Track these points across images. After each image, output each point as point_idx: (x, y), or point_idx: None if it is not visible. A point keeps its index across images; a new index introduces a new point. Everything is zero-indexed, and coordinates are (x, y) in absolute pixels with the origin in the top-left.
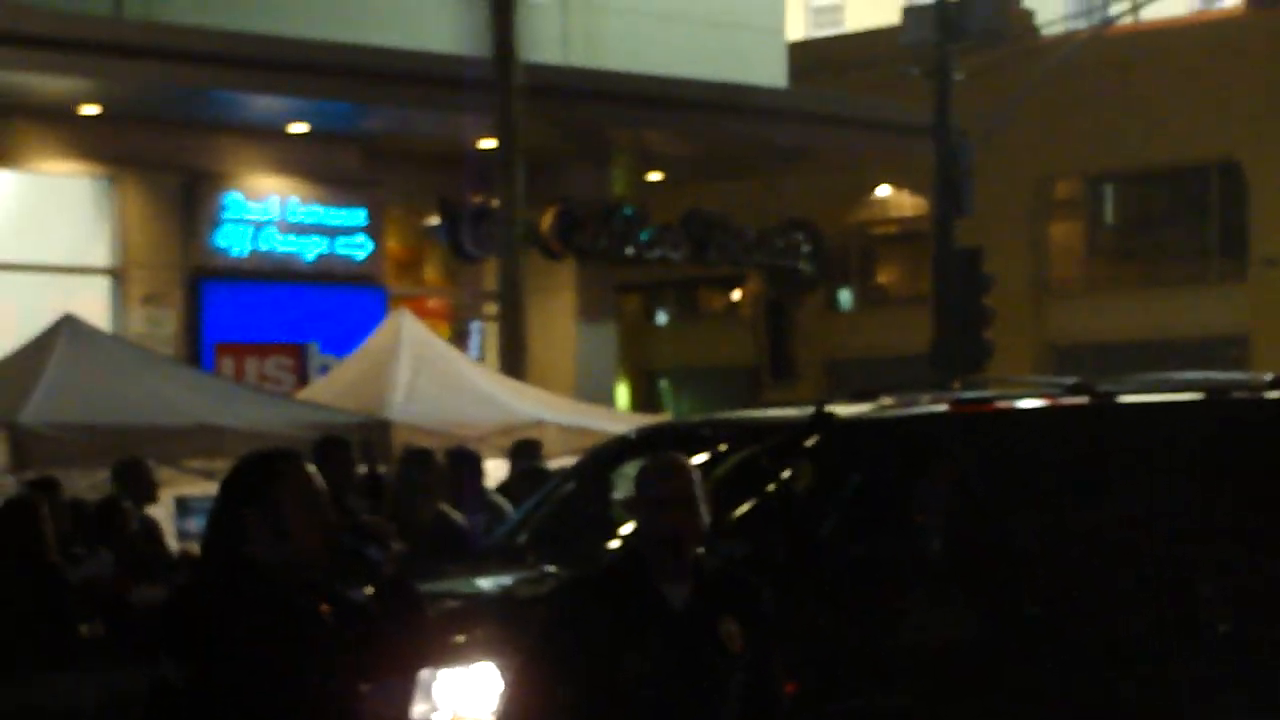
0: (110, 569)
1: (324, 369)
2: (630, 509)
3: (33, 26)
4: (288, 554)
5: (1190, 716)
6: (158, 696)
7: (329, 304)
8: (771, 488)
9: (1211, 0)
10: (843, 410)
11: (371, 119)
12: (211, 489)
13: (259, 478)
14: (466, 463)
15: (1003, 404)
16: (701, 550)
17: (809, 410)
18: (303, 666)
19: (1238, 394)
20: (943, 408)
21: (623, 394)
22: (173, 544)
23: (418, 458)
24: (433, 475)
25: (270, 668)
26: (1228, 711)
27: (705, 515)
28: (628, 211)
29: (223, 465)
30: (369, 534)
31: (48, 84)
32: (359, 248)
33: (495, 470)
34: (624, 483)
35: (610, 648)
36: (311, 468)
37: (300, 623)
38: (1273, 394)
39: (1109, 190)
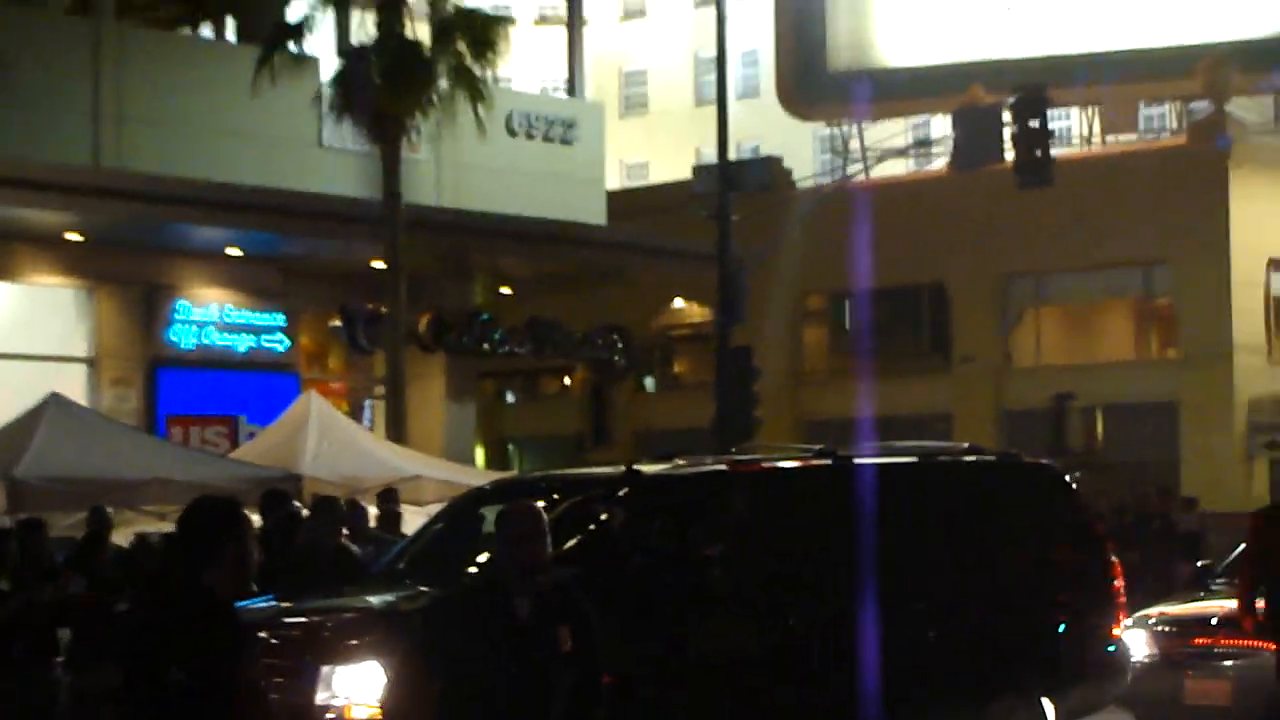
0: (82, 589)
1: (250, 436)
2: (494, 542)
3: (30, 173)
4: (239, 583)
5: (904, 693)
6: (134, 695)
7: (255, 386)
8: (593, 527)
9: (923, 165)
10: (647, 468)
11: (289, 245)
12: (164, 526)
13: (230, 521)
14: (356, 509)
15: (767, 464)
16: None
17: (621, 468)
18: (246, 666)
19: (942, 457)
20: (722, 467)
21: (480, 455)
22: None
23: (325, 504)
24: (336, 517)
25: (232, 668)
26: (932, 687)
27: (548, 547)
28: (485, 317)
29: (172, 510)
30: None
31: (42, 217)
32: (278, 343)
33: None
34: (481, 522)
35: (471, 648)
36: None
37: (240, 635)
38: (968, 457)
39: (847, 304)
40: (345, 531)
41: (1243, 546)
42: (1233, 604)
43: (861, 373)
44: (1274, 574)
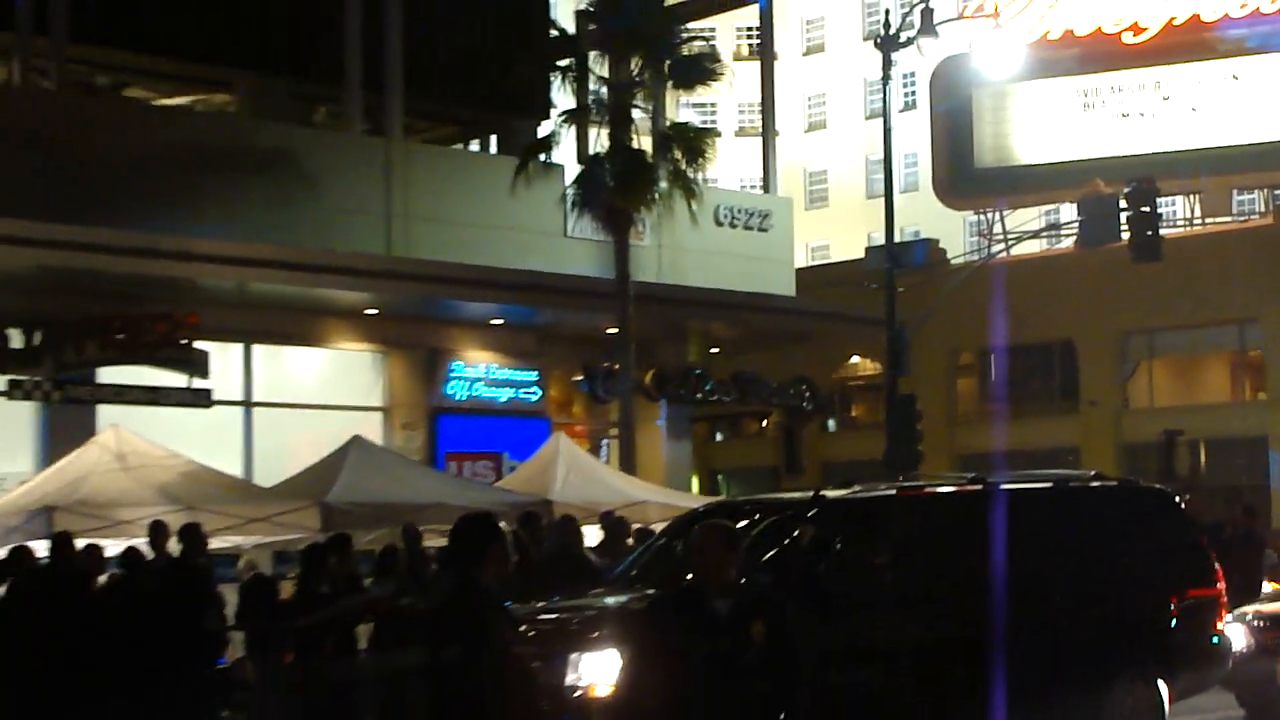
0: (390, 591)
1: (512, 469)
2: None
3: (336, 262)
4: (498, 578)
5: (1046, 674)
6: (439, 669)
7: (514, 429)
8: (787, 541)
9: (1053, 244)
10: (831, 493)
11: (541, 316)
12: (443, 541)
13: (489, 530)
14: (616, 526)
15: (929, 489)
16: (743, 579)
17: (810, 493)
18: (520, 650)
19: (1073, 483)
20: (892, 491)
21: (695, 483)
22: None
23: (564, 522)
24: (576, 533)
25: (505, 647)
26: (1068, 670)
27: (735, 559)
28: (698, 372)
29: (448, 526)
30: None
31: (346, 296)
32: (533, 394)
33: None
34: None
35: (682, 640)
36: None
37: (510, 619)
38: (1095, 483)
39: (992, 358)
40: (595, 544)
41: None
42: None
43: (1004, 415)
44: None
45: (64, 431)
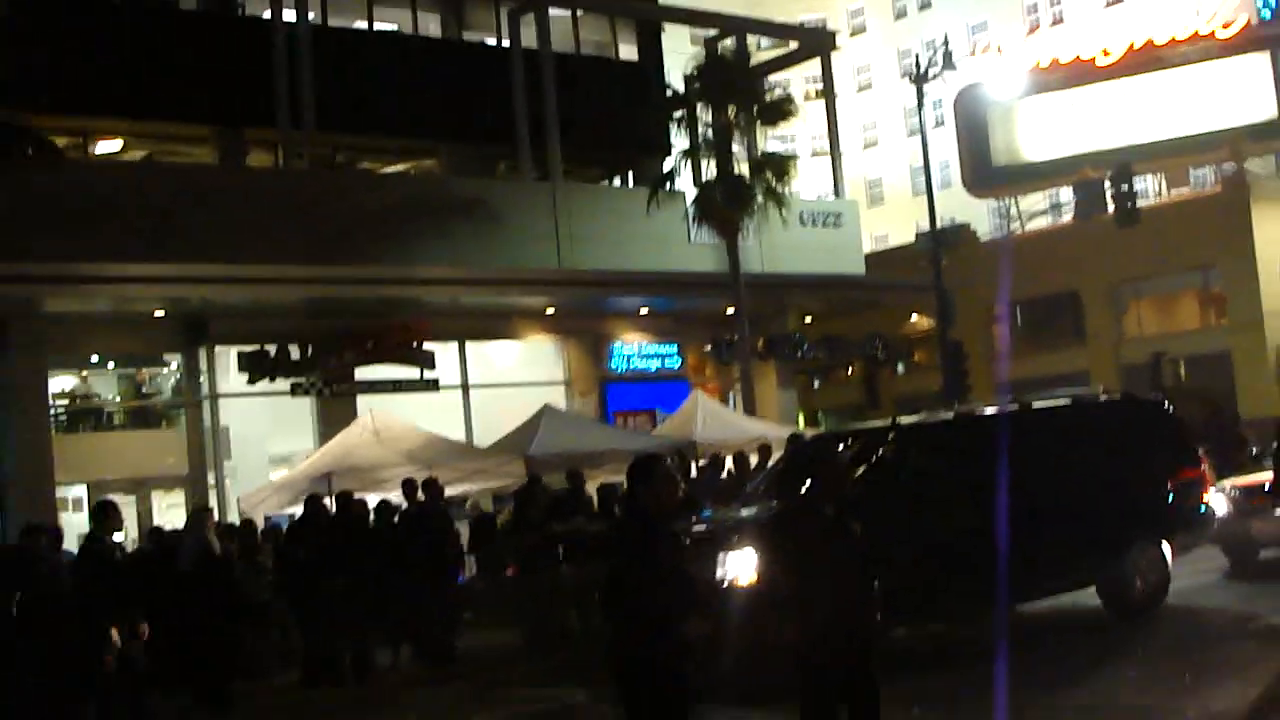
0: (583, 522)
1: (664, 419)
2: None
3: (522, 275)
4: (658, 507)
5: (1080, 541)
6: (613, 575)
7: (663, 390)
8: (874, 459)
9: (1057, 219)
10: (905, 420)
11: (678, 304)
12: (618, 480)
13: (649, 469)
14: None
15: (979, 412)
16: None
17: (889, 421)
18: (677, 557)
19: (1087, 399)
20: (950, 415)
21: (801, 421)
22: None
23: (715, 459)
24: (720, 466)
25: (667, 559)
26: (1095, 537)
27: (839, 471)
28: (797, 336)
29: (621, 468)
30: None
31: (530, 301)
32: (675, 363)
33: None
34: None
35: (801, 537)
36: (668, 462)
37: (671, 537)
38: (1103, 398)
39: (1018, 308)
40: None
41: None
42: None
43: (1028, 351)
44: None
45: (333, 417)
